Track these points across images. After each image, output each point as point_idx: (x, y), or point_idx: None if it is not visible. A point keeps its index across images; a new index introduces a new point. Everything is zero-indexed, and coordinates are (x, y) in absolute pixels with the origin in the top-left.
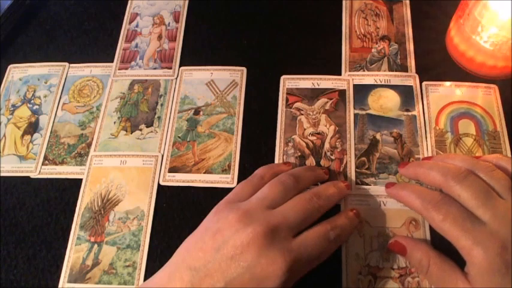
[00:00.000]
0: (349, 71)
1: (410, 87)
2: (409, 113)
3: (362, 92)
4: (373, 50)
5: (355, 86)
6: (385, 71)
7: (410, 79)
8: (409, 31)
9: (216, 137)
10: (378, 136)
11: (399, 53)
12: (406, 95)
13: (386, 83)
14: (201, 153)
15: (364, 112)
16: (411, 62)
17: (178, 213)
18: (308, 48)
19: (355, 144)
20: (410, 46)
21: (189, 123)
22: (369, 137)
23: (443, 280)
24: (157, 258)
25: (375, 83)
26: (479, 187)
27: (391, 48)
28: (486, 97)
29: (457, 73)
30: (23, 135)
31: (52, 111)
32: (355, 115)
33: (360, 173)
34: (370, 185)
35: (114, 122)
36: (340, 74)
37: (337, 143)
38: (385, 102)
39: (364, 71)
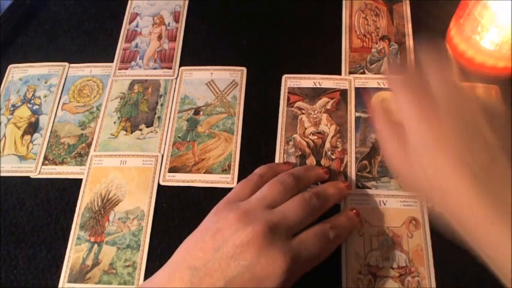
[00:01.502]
0: (349, 70)
1: None
2: None
3: (365, 94)
4: (373, 50)
5: (357, 89)
6: (385, 71)
7: None
8: (409, 31)
9: (216, 137)
10: None
11: (399, 53)
12: None
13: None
14: (201, 153)
15: (366, 115)
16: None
17: (178, 213)
18: (308, 48)
19: (356, 147)
20: (410, 46)
21: (189, 123)
22: (371, 141)
23: None
24: (157, 258)
25: (378, 86)
26: None
27: (391, 48)
28: (486, 97)
29: (457, 73)
30: (23, 135)
31: (52, 111)
32: (357, 118)
33: (361, 176)
34: (371, 189)
35: (114, 122)
36: (340, 74)
37: (337, 143)
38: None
39: (364, 71)
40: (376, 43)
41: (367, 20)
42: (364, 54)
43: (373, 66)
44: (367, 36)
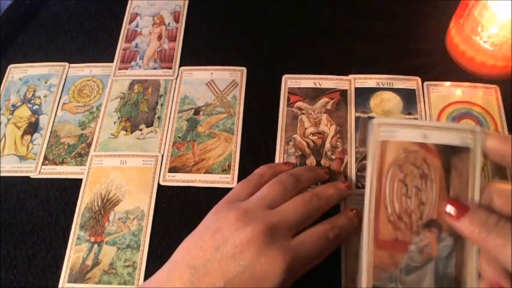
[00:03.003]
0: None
1: (413, 90)
2: (412, 117)
3: (364, 95)
4: (411, 248)
5: (357, 89)
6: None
7: (413, 82)
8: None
9: (216, 137)
10: None
11: (454, 254)
12: (409, 98)
13: (388, 86)
14: (201, 153)
15: (366, 115)
16: None
17: (178, 213)
18: (308, 48)
19: (356, 147)
20: None
21: (189, 123)
22: None
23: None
24: (157, 258)
25: (377, 86)
26: None
27: (441, 245)
28: (487, 97)
29: (457, 73)
30: (23, 135)
31: (52, 111)
32: (357, 118)
33: (362, 176)
34: None
35: (114, 122)
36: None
37: (337, 143)
38: (387, 105)
39: (396, 285)
40: (418, 234)
41: (406, 186)
42: (396, 255)
43: (410, 277)
44: (405, 220)
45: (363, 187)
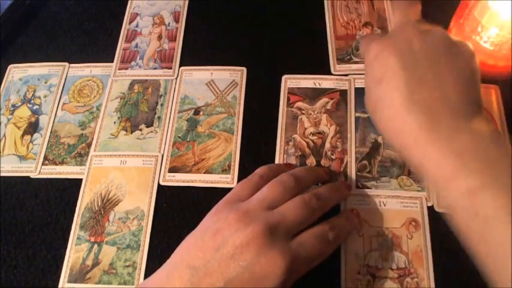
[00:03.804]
0: (337, 57)
1: None
2: None
3: (364, 94)
4: (357, 37)
5: (357, 89)
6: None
7: None
8: (389, 15)
9: (216, 137)
10: (379, 139)
11: None
12: None
13: None
14: (201, 153)
15: (365, 115)
16: None
17: (178, 213)
18: (308, 48)
19: (356, 147)
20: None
21: (189, 123)
22: (370, 140)
23: None
24: (157, 258)
25: None
26: None
27: (374, 34)
28: (486, 97)
29: None
30: (23, 135)
31: (52, 111)
32: (357, 118)
33: (361, 176)
34: (371, 189)
35: (114, 122)
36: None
37: (337, 143)
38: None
39: (351, 57)
40: (360, 29)
41: (348, 7)
42: (349, 41)
43: (359, 52)
44: (350, 24)
45: (363, 187)
